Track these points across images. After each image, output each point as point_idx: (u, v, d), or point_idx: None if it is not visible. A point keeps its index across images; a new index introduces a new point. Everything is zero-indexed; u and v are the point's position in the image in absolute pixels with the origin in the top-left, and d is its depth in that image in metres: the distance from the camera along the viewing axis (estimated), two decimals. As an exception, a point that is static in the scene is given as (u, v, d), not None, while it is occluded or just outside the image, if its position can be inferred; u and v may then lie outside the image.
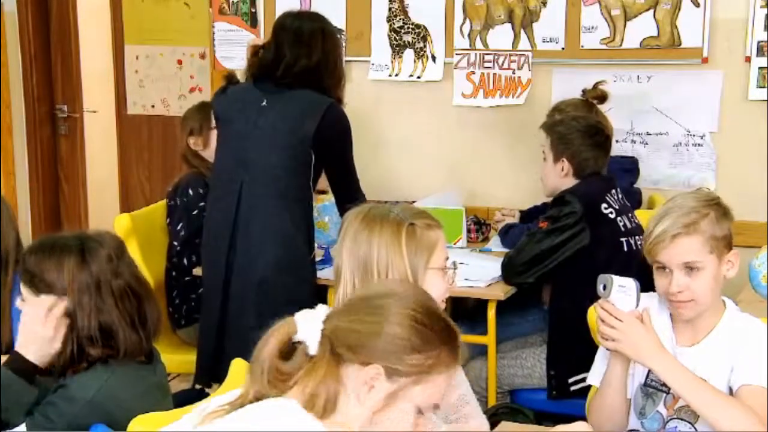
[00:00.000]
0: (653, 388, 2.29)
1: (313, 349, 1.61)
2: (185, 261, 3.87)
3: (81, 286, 2.11)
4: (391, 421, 1.61)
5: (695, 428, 2.22)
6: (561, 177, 3.41)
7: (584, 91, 3.85)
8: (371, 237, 2.05)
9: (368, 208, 2.13)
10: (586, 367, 3.19)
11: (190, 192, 3.86)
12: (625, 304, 2.23)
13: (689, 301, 2.22)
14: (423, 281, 2.05)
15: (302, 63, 3.35)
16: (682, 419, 2.24)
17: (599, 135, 3.42)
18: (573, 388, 3.28)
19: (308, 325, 1.62)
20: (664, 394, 2.27)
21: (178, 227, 3.87)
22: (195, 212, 3.82)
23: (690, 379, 2.15)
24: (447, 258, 2.14)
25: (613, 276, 2.24)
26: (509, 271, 3.37)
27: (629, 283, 2.23)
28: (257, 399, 1.62)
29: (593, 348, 2.46)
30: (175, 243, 3.88)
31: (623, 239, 3.29)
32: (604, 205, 3.29)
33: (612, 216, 3.29)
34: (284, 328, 1.64)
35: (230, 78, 3.77)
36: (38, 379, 2.15)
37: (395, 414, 1.61)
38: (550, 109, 3.87)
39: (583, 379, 3.27)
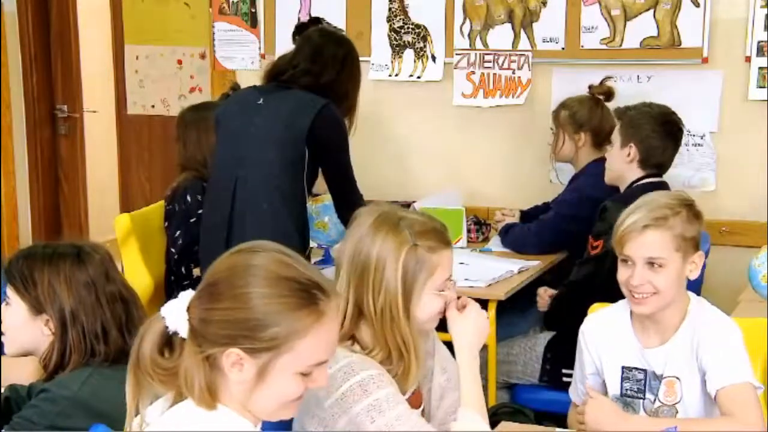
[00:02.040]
0: (630, 396, 2.30)
1: (186, 336, 1.63)
2: (183, 269, 3.84)
3: (79, 285, 2.12)
4: (273, 392, 1.62)
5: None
6: (626, 163, 3.37)
7: (591, 87, 3.86)
8: (372, 246, 2.03)
9: (381, 212, 2.10)
10: None
11: (189, 198, 3.82)
12: None
13: (651, 295, 2.23)
14: (417, 302, 2.03)
15: (308, 79, 3.36)
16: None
17: (671, 124, 3.38)
18: (565, 379, 3.29)
19: (175, 316, 1.64)
20: (642, 400, 2.28)
21: (176, 234, 3.84)
22: (193, 219, 3.78)
23: (661, 423, 2.16)
24: (449, 277, 2.11)
25: None
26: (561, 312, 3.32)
27: None
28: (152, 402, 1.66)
29: None
30: (173, 250, 3.85)
31: None
32: None
33: None
34: (154, 323, 1.65)
35: (235, 88, 3.81)
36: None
37: (276, 384, 1.62)
38: (557, 105, 3.87)
39: None
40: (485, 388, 3.39)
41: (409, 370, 2.03)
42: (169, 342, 1.65)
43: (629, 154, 3.35)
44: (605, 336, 2.35)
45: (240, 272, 1.63)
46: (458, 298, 2.14)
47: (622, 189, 3.42)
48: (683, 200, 2.29)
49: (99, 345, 2.11)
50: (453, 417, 2.15)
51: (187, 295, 1.66)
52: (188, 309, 1.64)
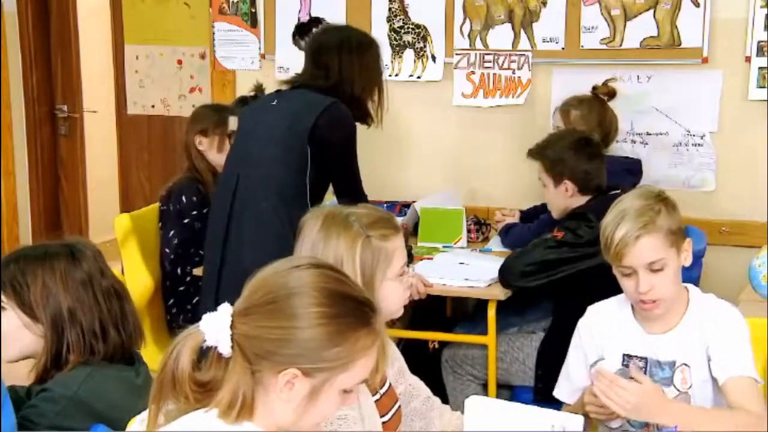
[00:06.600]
0: None
1: (226, 351, 1.57)
2: (178, 270, 3.83)
3: (76, 283, 2.10)
4: (318, 410, 1.60)
5: None
6: (568, 198, 3.38)
7: (594, 88, 3.86)
8: (327, 249, 2.01)
9: (325, 214, 2.07)
10: None
11: (184, 199, 3.82)
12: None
13: (657, 300, 2.26)
14: (380, 291, 2.00)
15: (320, 83, 3.35)
16: None
17: (590, 145, 3.41)
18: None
19: (216, 329, 1.57)
20: None
21: (170, 234, 3.83)
22: (187, 220, 3.79)
23: (698, 414, 2.18)
24: (405, 262, 2.09)
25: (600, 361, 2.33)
26: (510, 273, 3.31)
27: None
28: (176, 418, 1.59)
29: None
30: (167, 250, 3.83)
31: None
32: None
33: None
34: (191, 337, 1.59)
35: (258, 87, 3.83)
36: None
37: (324, 402, 1.59)
38: (563, 105, 3.86)
39: None
40: (485, 388, 3.40)
41: (377, 366, 1.99)
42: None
43: (567, 189, 3.37)
44: (606, 326, 2.37)
45: (298, 290, 1.58)
46: None
47: None
48: (656, 196, 2.31)
49: (98, 344, 2.10)
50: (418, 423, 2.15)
51: (226, 309, 1.61)
52: (232, 324, 1.58)
